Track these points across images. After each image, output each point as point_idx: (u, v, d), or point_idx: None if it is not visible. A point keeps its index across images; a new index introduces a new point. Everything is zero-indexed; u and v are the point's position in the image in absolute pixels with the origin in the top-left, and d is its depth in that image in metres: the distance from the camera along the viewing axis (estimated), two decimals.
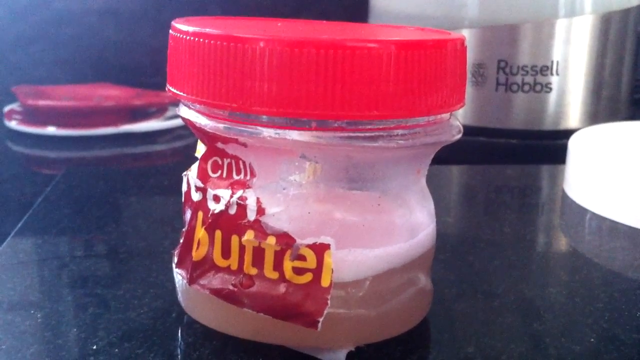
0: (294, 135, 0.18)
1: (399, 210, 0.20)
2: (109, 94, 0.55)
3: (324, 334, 0.19)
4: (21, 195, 0.39)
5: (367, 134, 0.18)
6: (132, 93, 0.55)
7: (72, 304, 0.23)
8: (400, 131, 0.19)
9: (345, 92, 0.18)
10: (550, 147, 0.45)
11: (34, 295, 0.24)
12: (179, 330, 0.21)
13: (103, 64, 0.66)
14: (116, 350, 0.20)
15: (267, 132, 0.18)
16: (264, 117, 0.18)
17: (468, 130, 0.46)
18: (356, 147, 0.18)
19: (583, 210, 0.32)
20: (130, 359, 0.20)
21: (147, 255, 0.27)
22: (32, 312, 0.22)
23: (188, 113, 0.20)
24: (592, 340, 0.21)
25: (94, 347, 0.20)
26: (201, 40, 0.19)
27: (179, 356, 0.20)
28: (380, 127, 0.18)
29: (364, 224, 0.20)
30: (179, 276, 0.21)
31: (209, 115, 0.19)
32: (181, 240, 0.21)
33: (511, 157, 0.45)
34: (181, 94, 0.20)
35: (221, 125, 0.19)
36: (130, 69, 0.66)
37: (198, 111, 0.20)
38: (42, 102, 0.52)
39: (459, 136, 0.20)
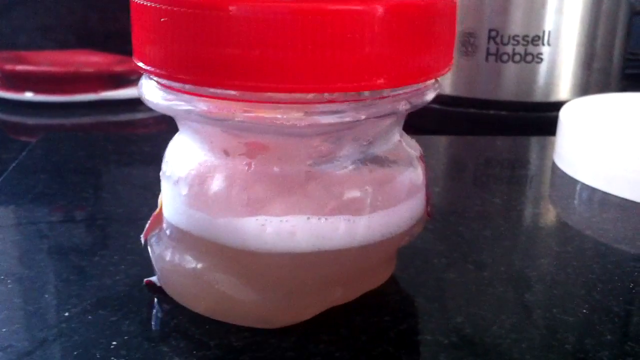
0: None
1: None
2: (90, 60, 0.54)
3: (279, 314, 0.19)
4: None
5: (345, 106, 0.17)
6: (114, 59, 0.54)
7: (45, 270, 0.22)
8: (383, 101, 0.18)
9: (333, 61, 0.16)
10: (541, 118, 0.44)
11: (5, 261, 0.23)
12: (155, 298, 0.20)
13: (86, 31, 0.64)
14: (90, 317, 0.19)
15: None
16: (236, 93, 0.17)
17: (458, 101, 0.46)
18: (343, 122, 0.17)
19: (574, 182, 0.32)
20: (104, 326, 0.19)
21: (125, 222, 0.26)
22: (2, 277, 0.21)
23: (151, 93, 0.18)
24: (585, 311, 0.20)
25: (67, 314, 0.19)
26: (166, 7, 0.17)
27: (155, 324, 0.19)
28: (365, 98, 0.17)
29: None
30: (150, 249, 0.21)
31: (169, 95, 0.18)
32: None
33: (501, 129, 0.44)
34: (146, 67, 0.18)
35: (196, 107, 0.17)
36: (114, 37, 0.64)
37: (159, 88, 0.18)
38: (20, 68, 0.50)
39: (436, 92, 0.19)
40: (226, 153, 0.18)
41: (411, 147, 0.21)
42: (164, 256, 0.20)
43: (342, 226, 0.18)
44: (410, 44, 0.17)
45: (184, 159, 0.19)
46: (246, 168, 0.18)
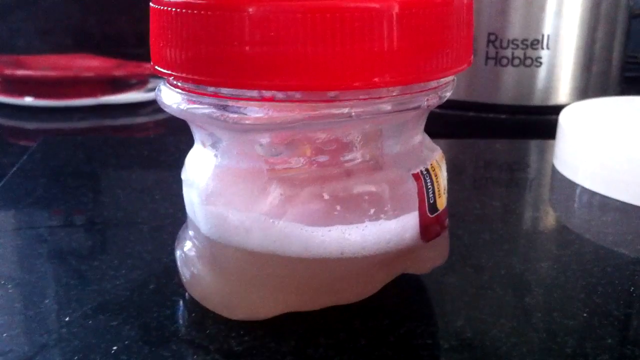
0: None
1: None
2: (89, 64, 0.54)
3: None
4: None
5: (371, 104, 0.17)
6: (113, 64, 0.54)
7: (45, 275, 0.22)
8: (404, 97, 0.17)
9: (347, 59, 0.16)
10: (540, 122, 0.44)
11: (5, 266, 0.23)
12: (156, 303, 0.20)
13: (85, 35, 0.65)
14: (90, 322, 0.19)
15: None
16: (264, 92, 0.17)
17: (457, 104, 0.46)
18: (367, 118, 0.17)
19: (573, 185, 0.32)
20: (104, 331, 0.19)
21: (124, 226, 0.26)
22: (2, 282, 0.21)
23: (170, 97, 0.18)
24: (585, 315, 0.20)
25: (67, 319, 0.19)
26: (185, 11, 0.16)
27: (156, 329, 0.19)
28: (383, 96, 0.17)
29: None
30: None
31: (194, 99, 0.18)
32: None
33: (500, 132, 0.44)
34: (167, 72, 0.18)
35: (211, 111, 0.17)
36: (113, 40, 0.64)
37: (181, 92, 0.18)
38: (20, 72, 0.50)
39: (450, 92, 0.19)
40: (203, 144, 0.19)
41: (419, 159, 0.20)
42: (180, 236, 0.21)
43: (296, 234, 0.18)
44: (427, 42, 0.17)
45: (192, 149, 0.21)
46: (214, 160, 0.19)
